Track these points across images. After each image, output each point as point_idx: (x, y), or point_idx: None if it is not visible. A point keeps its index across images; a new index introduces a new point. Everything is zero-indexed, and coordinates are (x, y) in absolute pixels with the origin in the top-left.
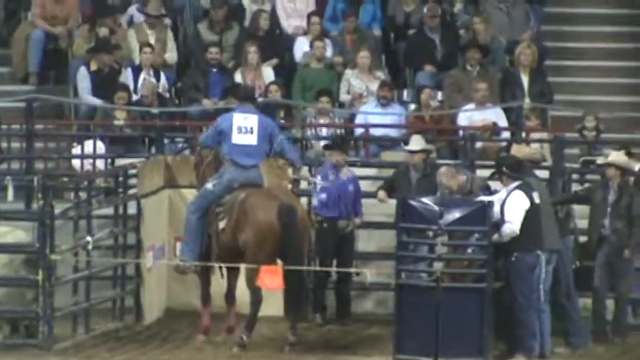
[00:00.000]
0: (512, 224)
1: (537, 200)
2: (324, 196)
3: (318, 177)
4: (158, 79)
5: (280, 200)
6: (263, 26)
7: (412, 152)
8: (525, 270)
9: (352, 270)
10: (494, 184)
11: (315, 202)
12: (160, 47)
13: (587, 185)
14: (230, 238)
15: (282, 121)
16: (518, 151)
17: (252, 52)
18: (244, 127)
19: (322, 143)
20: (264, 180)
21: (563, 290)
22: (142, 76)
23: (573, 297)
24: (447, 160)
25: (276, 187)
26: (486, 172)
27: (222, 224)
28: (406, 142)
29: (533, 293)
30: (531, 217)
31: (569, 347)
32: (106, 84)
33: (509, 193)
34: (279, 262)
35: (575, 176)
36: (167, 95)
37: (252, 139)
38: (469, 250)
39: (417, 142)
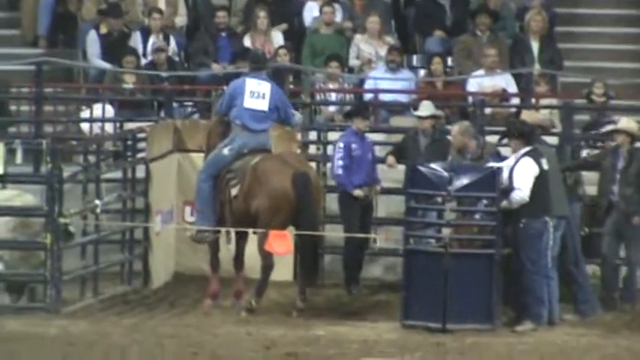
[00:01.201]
0: (522, 191)
1: (546, 167)
2: (341, 162)
3: (341, 144)
4: (167, 42)
5: (295, 167)
6: None
7: (421, 118)
8: (533, 236)
9: (372, 236)
10: (503, 150)
11: (336, 169)
12: (170, 10)
13: (596, 151)
14: (242, 205)
15: (292, 86)
16: (528, 117)
17: (262, 17)
18: (257, 92)
19: (331, 109)
20: (271, 145)
21: (570, 257)
22: (151, 39)
23: (581, 264)
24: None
25: (288, 152)
26: (495, 138)
27: (234, 191)
28: (415, 108)
29: (541, 260)
30: (540, 183)
31: (577, 314)
32: (115, 48)
33: (517, 160)
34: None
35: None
36: (176, 59)
37: (264, 105)
38: (477, 217)
39: (426, 108)
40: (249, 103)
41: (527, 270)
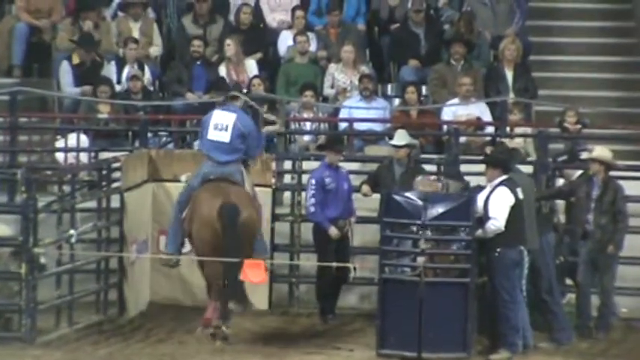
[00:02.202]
0: (498, 221)
1: (521, 196)
2: (313, 200)
3: (313, 180)
4: (142, 72)
5: (225, 199)
6: (246, 20)
7: (396, 147)
8: (508, 265)
9: (346, 265)
10: (478, 180)
11: (309, 206)
12: (145, 40)
13: (571, 180)
14: (186, 228)
15: (266, 115)
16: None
17: (227, 44)
18: (220, 124)
19: (306, 138)
20: (243, 175)
21: (545, 286)
22: (126, 69)
23: (555, 292)
24: (431, 155)
25: (234, 186)
26: (470, 167)
27: (184, 214)
28: (390, 137)
29: (516, 289)
30: (515, 213)
31: (553, 343)
32: (88, 77)
33: (493, 189)
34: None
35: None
36: (151, 88)
37: (224, 137)
38: (453, 247)
39: (401, 137)
40: (212, 135)
41: (502, 299)
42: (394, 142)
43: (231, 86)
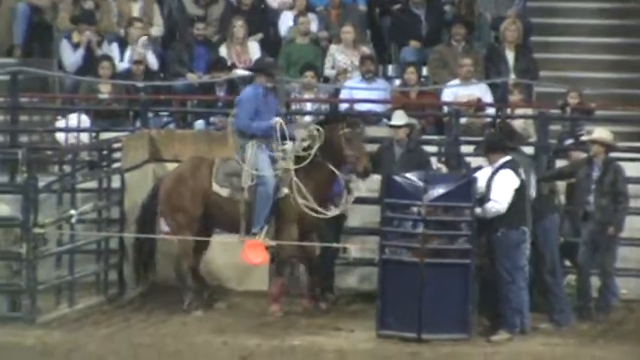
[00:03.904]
0: (499, 203)
1: (523, 176)
2: None
3: None
4: (145, 52)
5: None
6: (247, 0)
7: (395, 127)
8: (511, 246)
9: (342, 245)
10: (477, 160)
11: None
12: (146, 21)
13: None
14: None
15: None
16: None
17: (239, 25)
18: None
19: (306, 118)
20: (246, 149)
21: (547, 267)
22: (129, 51)
23: (557, 274)
24: (432, 135)
25: (203, 159)
26: (471, 148)
27: None
28: (390, 118)
29: (518, 270)
30: (519, 194)
31: (552, 324)
32: (88, 56)
33: (496, 170)
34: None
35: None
36: (154, 69)
37: None
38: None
39: (399, 117)
40: None
41: (504, 280)
42: (392, 122)
43: (258, 62)
